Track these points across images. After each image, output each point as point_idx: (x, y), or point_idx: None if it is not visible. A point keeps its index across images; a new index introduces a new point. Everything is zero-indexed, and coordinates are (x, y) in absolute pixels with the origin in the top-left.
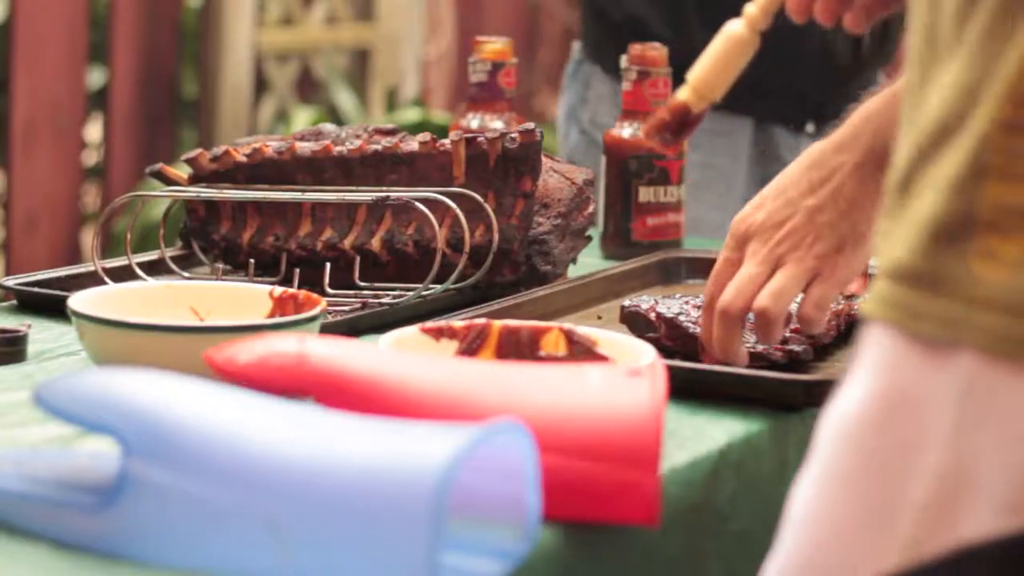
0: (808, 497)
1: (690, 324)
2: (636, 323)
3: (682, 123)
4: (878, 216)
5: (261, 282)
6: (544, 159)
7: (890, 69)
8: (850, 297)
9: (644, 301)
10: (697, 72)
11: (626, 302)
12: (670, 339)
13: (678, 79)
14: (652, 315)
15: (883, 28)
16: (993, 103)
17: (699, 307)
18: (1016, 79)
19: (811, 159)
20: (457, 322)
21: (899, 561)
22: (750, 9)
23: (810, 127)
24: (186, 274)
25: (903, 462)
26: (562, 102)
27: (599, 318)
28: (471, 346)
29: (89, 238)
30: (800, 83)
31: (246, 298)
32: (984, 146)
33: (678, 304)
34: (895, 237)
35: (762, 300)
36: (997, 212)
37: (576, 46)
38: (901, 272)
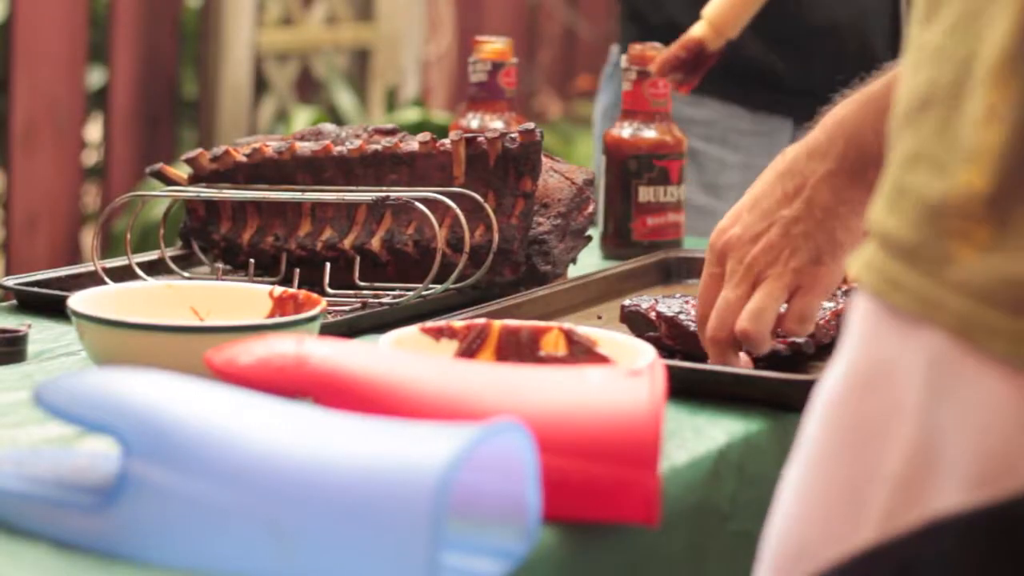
0: (793, 474)
1: (691, 323)
2: (636, 322)
3: (697, 61)
4: (857, 223)
5: (261, 282)
6: (544, 159)
7: None
8: (847, 292)
9: (644, 301)
10: (715, 7)
11: (626, 302)
12: (670, 338)
13: (723, 79)
14: (652, 314)
15: None
16: (970, 85)
17: None
18: (991, 66)
19: (785, 166)
20: (457, 322)
21: (874, 534)
22: None
23: None
24: (186, 274)
25: (878, 435)
26: (598, 103)
27: (599, 318)
28: (471, 346)
29: (89, 238)
30: (839, 83)
31: (246, 298)
32: (967, 129)
33: (678, 303)
34: (885, 199)
35: (743, 323)
36: (970, 195)
37: (613, 49)
38: (886, 239)
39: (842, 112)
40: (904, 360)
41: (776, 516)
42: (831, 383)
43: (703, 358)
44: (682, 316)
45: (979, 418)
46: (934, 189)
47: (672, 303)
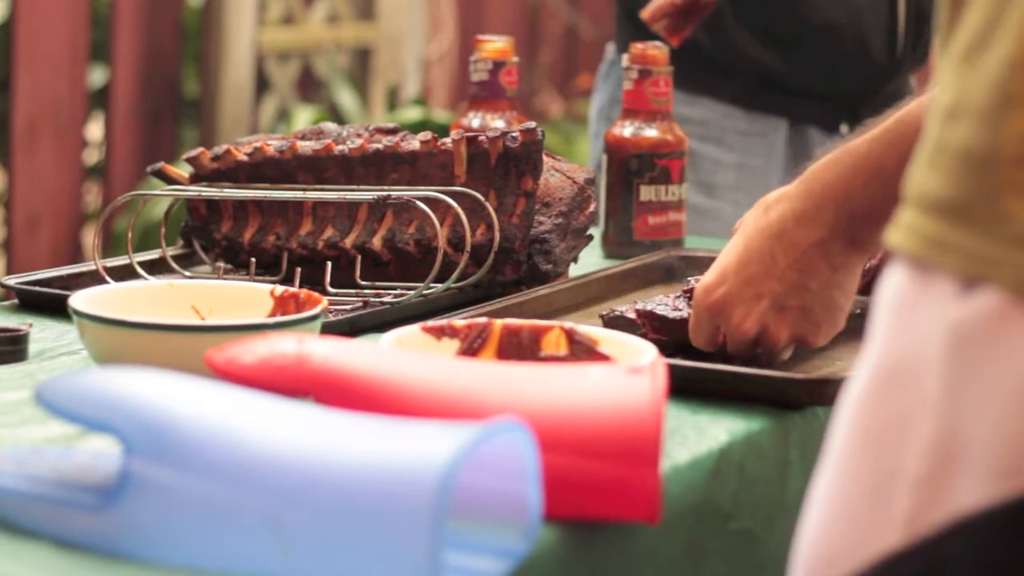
0: (820, 478)
1: (669, 312)
2: (619, 327)
3: (690, 10)
4: (855, 283)
5: (262, 281)
6: (545, 158)
7: (923, 72)
8: None
9: (620, 306)
10: None
11: (603, 312)
12: (655, 331)
13: (719, 79)
14: (631, 314)
15: (917, 29)
16: (1018, 25)
17: (678, 296)
18: None
19: (772, 229)
20: (458, 321)
21: (900, 537)
22: None
23: (844, 128)
24: (187, 273)
25: (900, 434)
26: (594, 102)
27: (600, 317)
28: (472, 345)
29: (90, 237)
30: (835, 84)
31: (247, 297)
32: (1010, 73)
33: (655, 300)
34: (929, 164)
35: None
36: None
37: (609, 47)
38: (927, 200)
39: (828, 175)
40: (927, 346)
41: (804, 522)
42: (856, 383)
43: (694, 348)
44: (660, 308)
45: (1005, 399)
46: (980, 140)
47: (648, 302)
